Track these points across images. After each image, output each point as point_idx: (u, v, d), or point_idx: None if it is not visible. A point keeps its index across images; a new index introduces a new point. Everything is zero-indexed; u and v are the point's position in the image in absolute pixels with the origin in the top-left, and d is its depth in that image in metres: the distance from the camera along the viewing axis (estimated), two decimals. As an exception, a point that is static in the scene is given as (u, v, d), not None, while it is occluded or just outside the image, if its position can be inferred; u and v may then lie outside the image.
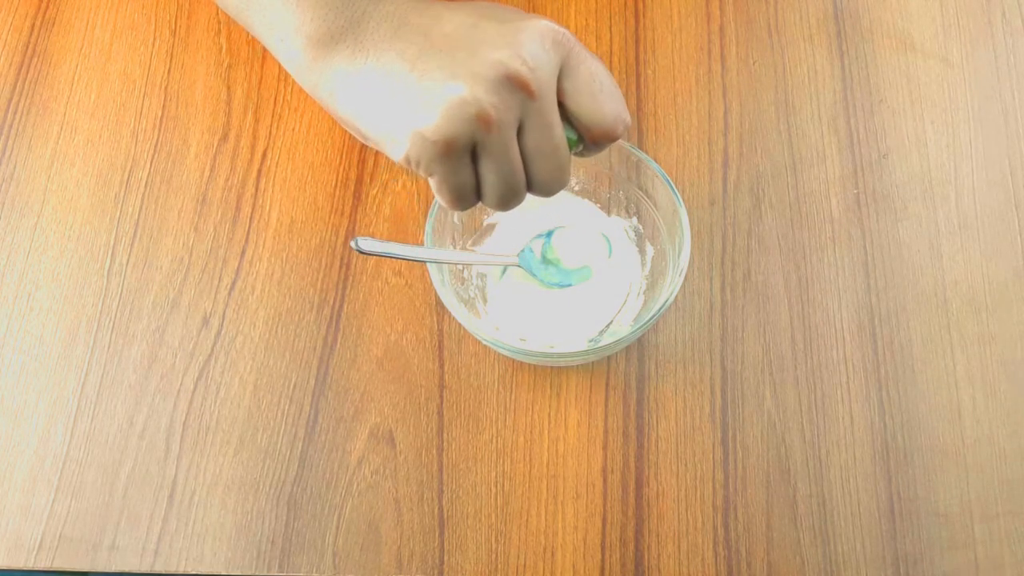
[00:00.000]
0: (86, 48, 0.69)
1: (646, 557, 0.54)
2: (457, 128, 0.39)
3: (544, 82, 0.40)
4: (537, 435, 0.57)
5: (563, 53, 0.40)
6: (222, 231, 0.63)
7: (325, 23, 0.41)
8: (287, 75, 0.67)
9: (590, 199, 0.61)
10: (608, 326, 0.59)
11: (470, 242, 0.60)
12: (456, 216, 0.58)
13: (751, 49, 0.67)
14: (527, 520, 0.55)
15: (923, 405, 0.57)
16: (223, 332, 0.60)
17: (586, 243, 0.60)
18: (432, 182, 0.42)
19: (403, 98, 0.40)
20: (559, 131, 0.41)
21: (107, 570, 0.55)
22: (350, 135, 0.65)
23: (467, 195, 0.42)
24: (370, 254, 0.51)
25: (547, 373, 0.59)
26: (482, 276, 0.60)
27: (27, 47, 0.68)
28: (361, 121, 0.42)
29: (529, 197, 0.45)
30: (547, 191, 0.43)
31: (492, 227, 0.61)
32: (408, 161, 0.41)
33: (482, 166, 0.41)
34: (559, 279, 0.59)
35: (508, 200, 0.43)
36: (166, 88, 0.67)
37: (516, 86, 0.39)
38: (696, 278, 0.60)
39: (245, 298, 0.61)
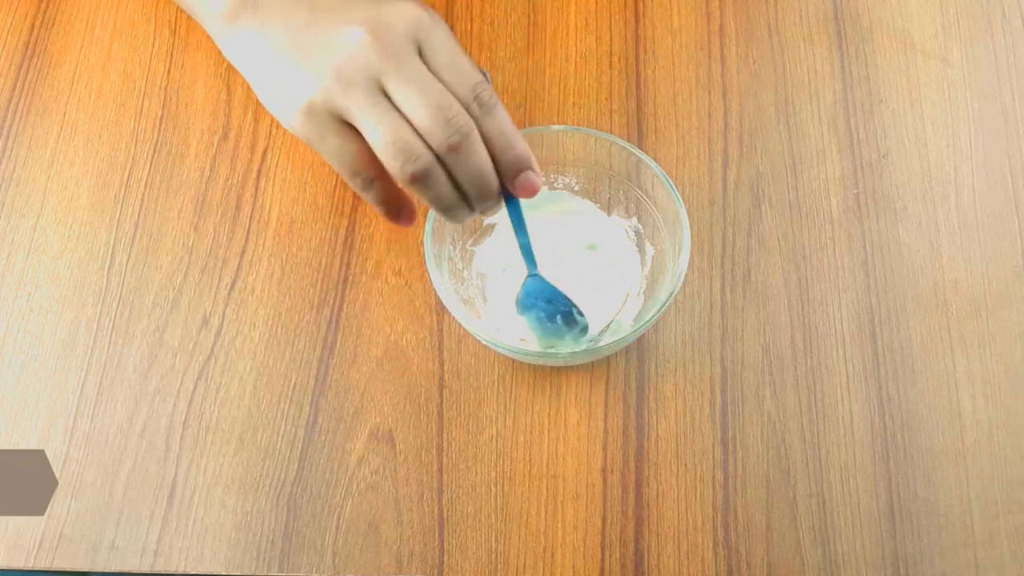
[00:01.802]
0: (86, 48, 0.69)
1: (646, 557, 0.54)
2: (314, 101, 0.43)
3: (395, 44, 0.43)
4: (537, 435, 0.57)
5: (420, 32, 0.43)
6: (222, 231, 0.63)
7: None
8: (287, 75, 0.67)
9: (590, 199, 0.61)
10: (608, 326, 0.59)
11: (470, 242, 0.60)
12: (456, 216, 0.58)
13: (751, 49, 0.67)
14: (527, 520, 0.55)
15: (923, 405, 0.57)
16: (223, 332, 0.60)
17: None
18: (325, 156, 0.46)
19: (287, 77, 0.45)
20: (425, 81, 0.43)
21: (107, 570, 0.55)
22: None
23: (360, 166, 0.45)
24: None
25: (547, 373, 0.59)
26: (482, 276, 0.60)
27: (27, 47, 0.68)
28: (259, 92, 0.47)
29: (526, 203, 0.45)
30: (444, 142, 0.43)
31: (492, 227, 0.61)
32: (294, 131, 0.46)
33: (358, 126, 0.44)
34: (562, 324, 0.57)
35: (399, 151, 0.43)
36: (166, 88, 0.67)
37: (369, 50, 0.43)
38: (696, 278, 0.60)
39: (245, 298, 0.61)
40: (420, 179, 0.44)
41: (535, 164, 0.46)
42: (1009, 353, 0.58)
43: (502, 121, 0.44)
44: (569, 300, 0.55)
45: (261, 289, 0.61)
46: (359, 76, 0.42)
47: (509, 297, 0.60)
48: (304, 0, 0.46)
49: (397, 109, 0.43)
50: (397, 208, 0.48)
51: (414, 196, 0.47)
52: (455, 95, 0.43)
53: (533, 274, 0.55)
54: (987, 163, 0.63)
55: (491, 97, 0.44)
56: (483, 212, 0.47)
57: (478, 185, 0.45)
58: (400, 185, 0.45)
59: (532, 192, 0.46)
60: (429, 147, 0.43)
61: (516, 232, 0.51)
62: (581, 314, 0.56)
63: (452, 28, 0.67)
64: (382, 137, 0.43)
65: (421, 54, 0.44)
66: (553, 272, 0.60)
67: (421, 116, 0.43)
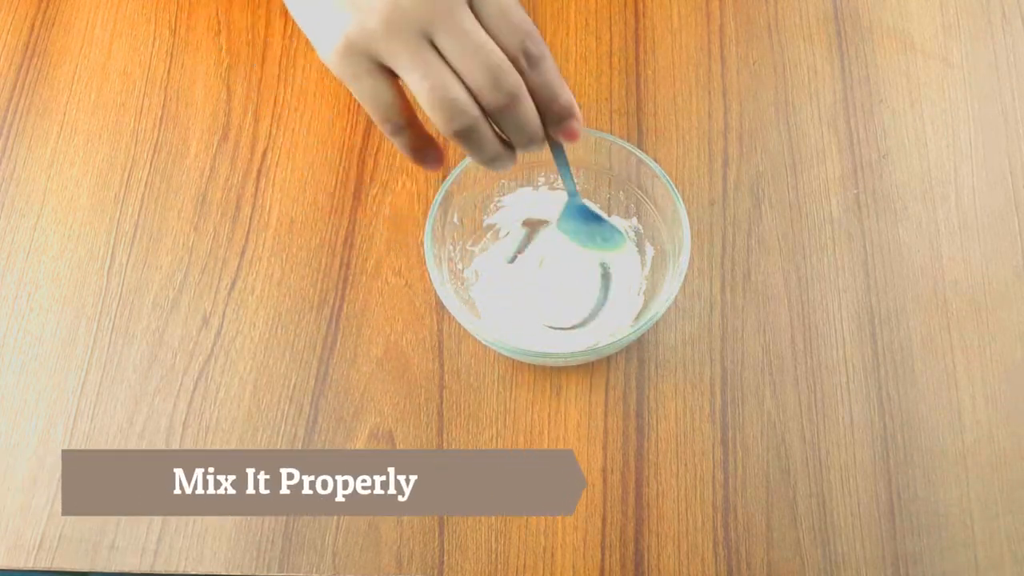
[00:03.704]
0: (86, 48, 0.69)
1: (646, 557, 0.54)
2: (355, 41, 0.41)
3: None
4: (537, 435, 0.57)
5: None
6: (222, 231, 0.63)
7: None
8: (287, 75, 0.67)
9: (590, 199, 0.61)
10: (607, 326, 0.59)
11: (470, 242, 0.60)
12: (456, 216, 0.58)
13: (751, 49, 0.67)
14: (527, 520, 0.55)
15: (923, 405, 0.57)
16: (223, 332, 0.60)
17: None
18: (355, 95, 0.43)
19: (329, 7, 0.42)
20: (476, 36, 0.42)
21: (107, 570, 0.55)
22: (350, 135, 0.65)
23: (391, 112, 0.43)
24: None
25: (547, 373, 0.59)
26: (478, 273, 0.60)
27: (27, 47, 0.68)
28: (295, 13, 0.44)
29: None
30: (494, 102, 0.42)
31: (492, 227, 0.61)
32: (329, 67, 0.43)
33: (402, 76, 0.42)
34: (600, 237, 0.56)
35: (446, 107, 0.42)
36: (166, 88, 0.67)
37: (421, 1, 0.41)
38: (696, 278, 0.60)
39: (245, 298, 0.61)
40: (465, 134, 0.43)
41: (578, 111, 0.46)
42: (1009, 353, 0.58)
43: (549, 72, 0.44)
44: (606, 220, 0.56)
45: (261, 289, 0.61)
46: (407, 24, 0.41)
47: (507, 299, 0.60)
48: None
49: (444, 61, 0.42)
50: (424, 153, 0.46)
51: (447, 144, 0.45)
52: (504, 48, 0.42)
53: (573, 198, 0.54)
54: (987, 163, 0.63)
55: (539, 49, 0.43)
56: (526, 152, 0.47)
57: (524, 135, 0.45)
58: (444, 137, 0.44)
59: (574, 138, 0.46)
60: (476, 102, 0.43)
61: (558, 167, 0.51)
62: (617, 230, 0.56)
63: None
64: (429, 91, 0.42)
65: (471, 3, 0.42)
66: (558, 274, 0.60)
67: (471, 74, 0.42)
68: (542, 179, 0.60)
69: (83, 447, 0.58)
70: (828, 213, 0.62)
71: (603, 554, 0.55)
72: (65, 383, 0.59)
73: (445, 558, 0.55)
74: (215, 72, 0.67)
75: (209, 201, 0.64)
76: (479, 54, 0.42)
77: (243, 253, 0.62)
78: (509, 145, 0.45)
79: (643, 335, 0.57)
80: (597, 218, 0.55)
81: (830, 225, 0.62)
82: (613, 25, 0.68)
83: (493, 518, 0.55)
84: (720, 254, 0.61)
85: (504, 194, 0.60)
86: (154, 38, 0.69)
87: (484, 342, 0.54)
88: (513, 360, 0.59)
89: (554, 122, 0.45)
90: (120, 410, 0.58)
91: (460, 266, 0.60)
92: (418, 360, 0.59)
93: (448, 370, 0.59)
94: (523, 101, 0.43)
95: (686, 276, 0.54)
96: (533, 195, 0.61)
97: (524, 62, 0.43)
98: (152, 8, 0.70)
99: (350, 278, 0.61)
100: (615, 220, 0.61)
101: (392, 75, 0.42)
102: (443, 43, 0.41)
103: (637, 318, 0.58)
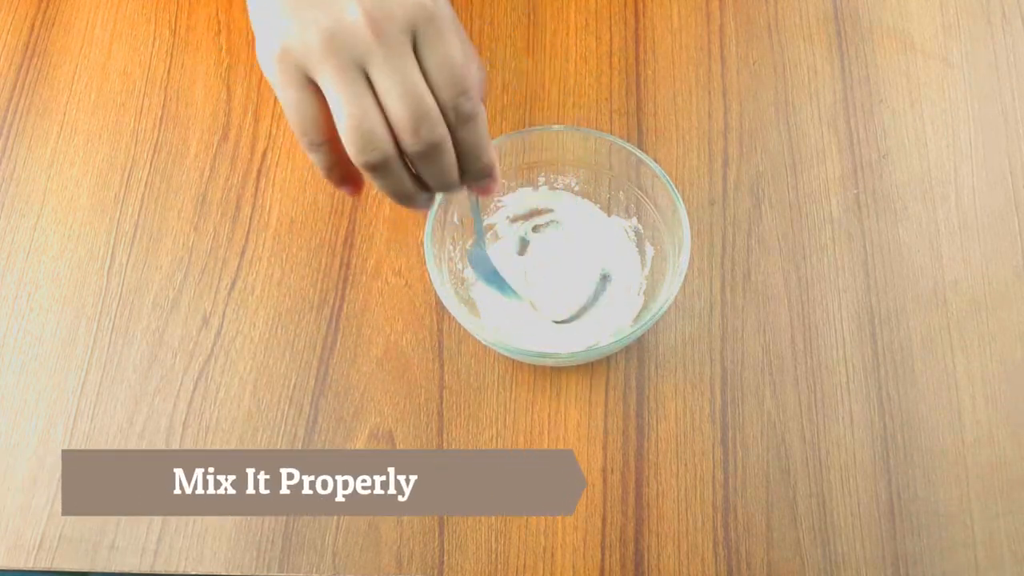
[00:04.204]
0: (86, 48, 0.69)
1: (646, 557, 0.54)
2: (290, 51, 0.41)
3: (390, 33, 0.41)
4: (537, 435, 0.57)
5: (419, 21, 0.42)
6: (222, 231, 0.63)
7: None
8: (287, 75, 0.67)
9: (590, 199, 0.61)
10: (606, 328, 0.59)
11: (469, 243, 0.60)
12: (456, 216, 0.58)
13: (751, 49, 0.67)
14: (527, 520, 0.55)
15: (923, 405, 0.57)
16: (223, 332, 0.60)
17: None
18: (280, 102, 0.44)
19: (277, 16, 0.42)
20: (410, 79, 0.42)
21: (107, 570, 0.55)
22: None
23: (310, 127, 0.43)
24: None
25: (547, 373, 0.59)
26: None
27: (27, 47, 0.68)
28: (252, 19, 0.44)
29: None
30: (412, 147, 0.42)
31: (492, 227, 0.61)
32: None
33: (327, 96, 0.42)
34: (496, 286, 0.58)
35: (361, 137, 0.42)
36: (166, 88, 0.67)
37: (362, 31, 0.41)
38: (696, 278, 0.60)
39: (245, 298, 0.61)
40: (375, 168, 0.43)
41: (498, 172, 0.47)
42: (1009, 353, 0.58)
43: (477, 133, 0.44)
44: (502, 280, 0.58)
45: (261, 289, 0.61)
46: (346, 49, 0.41)
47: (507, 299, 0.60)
48: None
49: (373, 92, 0.42)
50: (341, 176, 0.46)
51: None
52: (437, 99, 0.42)
53: (479, 242, 0.56)
54: (987, 163, 0.63)
55: (472, 107, 0.43)
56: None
57: (439, 183, 0.45)
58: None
59: (488, 194, 0.48)
60: (395, 140, 0.43)
61: (471, 211, 0.53)
62: (508, 287, 0.58)
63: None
64: (348, 117, 0.42)
65: (415, 44, 0.42)
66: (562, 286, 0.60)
67: (397, 114, 0.42)
68: (542, 179, 0.60)
69: (83, 447, 0.58)
70: (828, 213, 0.62)
71: (603, 554, 0.55)
72: (65, 383, 0.59)
73: (445, 558, 0.55)
74: (215, 72, 0.67)
75: (209, 201, 0.64)
76: (408, 98, 0.42)
77: (243, 253, 0.62)
78: (426, 186, 0.45)
79: (643, 335, 0.57)
80: (495, 273, 0.57)
81: (830, 225, 0.62)
82: (613, 25, 0.68)
83: (493, 518, 0.55)
84: (720, 254, 0.61)
85: (504, 194, 0.60)
86: (154, 38, 0.69)
87: (484, 342, 0.54)
88: (513, 360, 0.59)
89: (472, 178, 0.46)
90: (120, 410, 0.58)
91: (460, 266, 0.60)
92: (418, 360, 0.59)
93: (448, 370, 0.59)
94: (443, 153, 0.43)
95: (686, 276, 0.54)
96: (533, 195, 0.61)
97: (454, 117, 0.43)
98: (152, 8, 0.70)
99: (350, 278, 0.61)
100: (615, 220, 0.61)
101: (319, 91, 0.42)
102: (376, 77, 0.42)
103: (637, 318, 0.58)
